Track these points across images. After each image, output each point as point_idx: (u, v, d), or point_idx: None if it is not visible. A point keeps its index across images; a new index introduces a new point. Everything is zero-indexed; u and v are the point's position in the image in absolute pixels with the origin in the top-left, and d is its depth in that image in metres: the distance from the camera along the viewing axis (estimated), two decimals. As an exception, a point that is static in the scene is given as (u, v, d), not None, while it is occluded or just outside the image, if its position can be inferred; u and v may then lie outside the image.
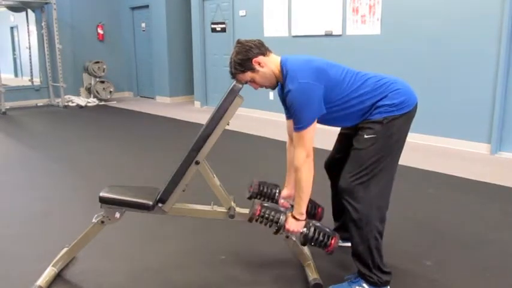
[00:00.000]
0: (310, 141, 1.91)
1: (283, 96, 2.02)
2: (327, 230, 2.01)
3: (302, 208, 1.98)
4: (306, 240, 1.99)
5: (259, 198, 2.32)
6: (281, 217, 2.02)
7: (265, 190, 2.35)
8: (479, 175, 3.85)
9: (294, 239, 2.18)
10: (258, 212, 2.02)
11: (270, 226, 2.04)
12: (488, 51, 4.47)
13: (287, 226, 2.00)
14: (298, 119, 1.90)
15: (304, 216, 2.00)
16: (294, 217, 2.00)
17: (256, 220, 2.03)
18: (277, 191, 2.36)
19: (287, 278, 2.22)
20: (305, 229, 1.99)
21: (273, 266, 2.34)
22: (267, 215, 2.02)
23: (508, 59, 4.39)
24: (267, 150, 5.01)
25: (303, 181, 1.92)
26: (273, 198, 2.34)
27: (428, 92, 4.88)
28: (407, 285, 2.16)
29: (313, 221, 2.04)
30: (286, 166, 2.34)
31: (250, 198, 2.32)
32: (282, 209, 2.08)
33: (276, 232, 2.04)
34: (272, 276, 2.25)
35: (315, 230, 1.98)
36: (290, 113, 1.96)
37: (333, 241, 1.98)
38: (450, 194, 3.45)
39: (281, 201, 2.33)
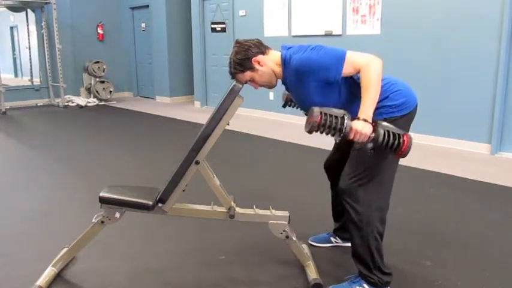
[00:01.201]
0: (362, 54, 1.81)
1: (292, 78, 1.95)
2: (396, 129, 1.77)
3: (370, 110, 1.77)
4: (376, 144, 1.75)
5: (293, 107, 2.28)
6: (345, 121, 1.74)
7: None
8: (480, 175, 3.85)
9: (295, 238, 2.18)
10: (319, 120, 1.73)
11: (333, 135, 1.78)
12: (488, 51, 4.47)
13: (354, 127, 1.73)
14: (330, 63, 1.81)
15: (371, 119, 1.78)
16: (361, 120, 1.77)
17: (317, 130, 1.77)
18: None
19: (287, 278, 2.22)
20: (374, 133, 1.74)
21: (273, 266, 2.34)
22: (329, 122, 1.74)
23: (508, 59, 4.39)
24: (267, 150, 5.01)
25: (372, 76, 1.76)
26: None
27: (429, 92, 4.88)
28: (407, 285, 2.16)
29: (382, 122, 1.78)
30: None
31: (285, 106, 2.30)
32: (342, 111, 1.78)
33: (342, 140, 1.81)
34: (272, 276, 2.24)
35: (385, 132, 1.73)
36: (318, 79, 1.85)
37: (405, 139, 1.73)
38: (450, 194, 3.45)
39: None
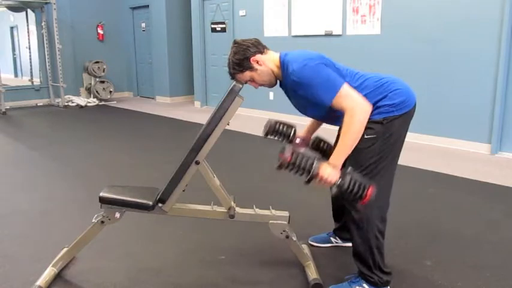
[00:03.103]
0: (354, 94, 1.79)
1: (287, 87, 1.97)
2: (362, 179, 1.81)
3: (342, 157, 1.81)
4: (340, 191, 1.79)
5: (274, 137, 2.27)
6: (315, 164, 1.78)
7: (281, 128, 2.26)
8: (480, 175, 3.85)
9: (295, 238, 2.18)
10: (289, 159, 1.78)
11: (301, 174, 1.82)
12: (489, 51, 4.47)
13: (321, 173, 1.77)
14: (324, 89, 1.80)
15: (340, 167, 1.81)
16: (329, 165, 1.79)
17: (286, 167, 1.81)
18: (293, 131, 2.27)
19: (287, 278, 2.22)
20: (340, 180, 1.78)
21: (273, 266, 2.34)
22: (298, 162, 1.79)
23: (508, 59, 4.39)
24: (267, 150, 5.01)
25: (353, 126, 1.75)
26: (288, 137, 2.25)
27: (429, 92, 4.88)
28: (407, 285, 2.16)
29: (349, 170, 1.82)
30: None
31: (266, 135, 2.28)
32: (315, 155, 1.83)
33: (308, 181, 1.82)
34: (272, 276, 2.24)
35: (350, 180, 1.77)
36: (309, 96, 1.86)
37: (368, 192, 1.77)
38: (450, 194, 3.45)
39: (297, 140, 2.26)
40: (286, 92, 2.07)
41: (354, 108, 1.76)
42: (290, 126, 2.28)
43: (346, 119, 1.77)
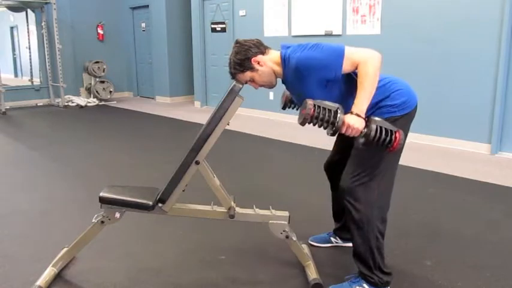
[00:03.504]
0: (361, 49, 1.80)
1: (291, 79, 1.96)
2: (389, 125, 1.77)
3: (365, 105, 1.78)
4: (367, 139, 1.75)
5: (293, 108, 2.28)
6: (338, 115, 1.74)
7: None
8: (480, 175, 3.85)
9: (295, 238, 2.18)
10: (312, 113, 1.73)
11: (326, 127, 1.79)
12: (489, 51, 4.47)
13: (347, 121, 1.74)
14: (330, 60, 1.80)
15: (364, 114, 1.78)
16: (355, 114, 1.77)
17: (310, 122, 1.76)
18: None
19: (287, 278, 2.22)
20: (366, 128, 1.75)
21: (273, 266, 2.34)
22: (322, 115, 1.74)
23: (508, 59, 4.39)
24: (267, 150, 5.01)
25: (369, 71, 1.75)
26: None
27: (429, 92, 4.88)
28: (407, 285, 2.16)
29: (375, 118, 1.78)
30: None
31: (284, 108, 2.30)
32: (336, 105, 1.78)
33: (334, 133, 1.79)
34: (272, 276, 2.24)
35: (377, 128, 1.73)
36: (317, 76, 1.85)
37: (397, 135, 1.74)
38: (450, 194, 3.45)
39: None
40: (290, 86, 2.05)
41: (365, 58, 1.77)
42: None
43: (361, 68, 1.77)
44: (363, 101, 1.77)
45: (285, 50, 1.96)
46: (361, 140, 1.79)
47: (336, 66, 1.81)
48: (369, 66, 1.76)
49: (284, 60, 1.94)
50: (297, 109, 2.20)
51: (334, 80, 1.86)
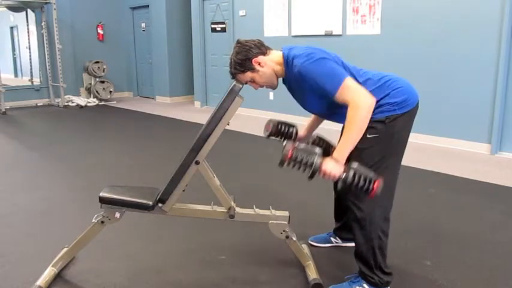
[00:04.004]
0: (359, 88, 1.77)
1: (292, 80, 1.96)
2: (368, 172, 1.77)
3: (346, 151, 1.78)
4: (344, 185, 1.76)
5: (277, 137, 2.26)
6: (316, 159, 1.77)
7: (282, 129, 2.25)
8: (480, 175, 3.85)
9: (295, 238, 2.18)
10: (290, 155, 1.78)
11: (304, 170, 1.80)
12: (489, 51, 4.47)
13: (324, 167, 1.76)
14: (329, 80, 1.79)
15: (344, 161, 1.79)
16: (333, 159, 1.77)
17: (288, 164, 1.80)
18: (295, 130, 2.27)
19: (287, 278, 2.22)
20: (344, 174, 1.75)
21: (273, 266, 2.34)
22: (300, 158, 1.78)
23: (508, 59, 4.39)
24: (267, 150, 5.01)
25: (357, 119, 1.73)
26: (290, 137, 2.24)
27: (429, 92, 4.88)
28: (408, 285, 2.16)
29: (353, 164, 1.79)
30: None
31: (268, 137, 2.28)
32: (316, 150, 1.81)
33: (311, 176, 1.80)
34: (272, 276, 2.24)
35: (355, 174, 1.74)
36: (314, 87, 1.85)
37: (375, 185, 1.74)
38: (450, 194, 3.45)
39: (298, 140, 2.26)
40: (289, 87, 2.05)
41: (357, 102, 1.73)
42: (291, 126, 2.28)
43: (350, 113, 1.74)
44: (345, 147, 1.77)
45: (287, 51, 1.96)
46: (340, 185, 1.80)
47: (330, 91, 1.80)
48: (358, 115, 1.73)
49: (287, 61, 1.94)
50: (283, 140, 2.16)
51: (325, 96, 1.87)
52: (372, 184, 1.73)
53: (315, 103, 1.98)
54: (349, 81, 1.78)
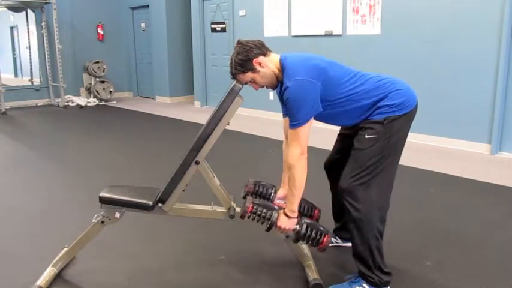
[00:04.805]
0: (305, 139, 1.91)
1: (281, 94, 2.01)
2: (319, 227, 2.02)
3: (294, 206, 1.99)
4: (298, 237, 2.00)
5: (255, 198, 2.30)
6: (273, 214, 2.02)
7: (260, 190, 2.35)
8: (480, 175, 3.85)
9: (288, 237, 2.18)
10: (250, 209, 2.03)
11: (262, 223, 2.05)
12: (489, 51, 4.47)
13: (279, 223, 2.00)
14: (293, 115, 1.89)
15: (296, 214, 2.01)
16: (286, 214, 2.01)
17: (248, 217, 2.04)
18: (273, 191, 2.37)
19: (287, 278, 2.22)
20: (297, 226, 2.00)
21: (273, 266, 2.34)
22: (259, 212, 2.03)
23: (508, 59, 4.38)
24: (267, 150, 5.01)
25: (296, 178, 1.93)
26: (268, 198, 2.34)
27: (429, 92, 4.88)
28: (407, 285, 2.16)
29: (306, 219, 2.04)
30: (282, 166, 2.34)
31: (245, 197, 2.30)
32: (274, 206, 2.10)
33: (268, 229, 2.04)
34: (272, 276, 2.24)
35: (307, 227, 1.98)
36: (287, 110, 1.97)
37: (325, 238, 1.99)
38: (450, 194, 3.45)
39: (276, 201, 2.33)
40: (280, 97, 2.10)
41: (296, 158, 1.89)
42: (270, 186, 2.39)
43: (292, 169, 1.92)
44: (292, 202, 1.98)
45: (283, 59, 1.99)
46: (293, 236, 2.02)
47: (290, 121, 1.92)
48: (296, 173, 1.91)
49: (282, 68, 1.97)
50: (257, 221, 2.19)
51: None
52: (322, 237, 1.98)
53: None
54: (303, 130, 1.89)
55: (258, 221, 2.05)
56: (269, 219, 2.02)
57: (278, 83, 2.07)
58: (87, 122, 7.13)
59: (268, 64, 1.99)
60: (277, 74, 2.00)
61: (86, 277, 2.24)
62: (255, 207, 2.04)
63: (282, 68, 1.97)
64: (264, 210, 2.04)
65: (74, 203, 3.33)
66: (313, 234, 1.98)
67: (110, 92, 9.14)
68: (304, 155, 1.92)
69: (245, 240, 2.64)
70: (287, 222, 2.00)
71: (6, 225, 2.93)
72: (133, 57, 9.88)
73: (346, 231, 2.37)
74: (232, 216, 2.14)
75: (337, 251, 2.49)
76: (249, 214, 2.04)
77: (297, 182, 1.93)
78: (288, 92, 1.89)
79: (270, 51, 2.04)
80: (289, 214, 2.00)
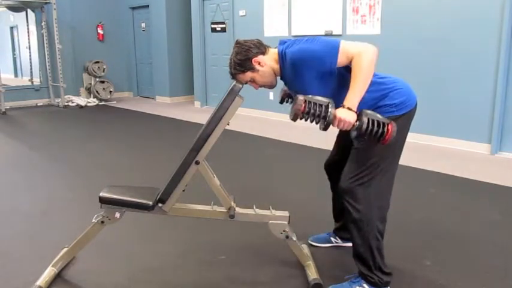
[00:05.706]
0: (357, 43, 1.78)
1: (288, 73, 1.94)
2: (381, 117, 1.76)
3: (356, 98, 1.76)
4: (360, 133, 1.76)
5: (290, 102, 2.21)
6: (330, 110, 1.74)
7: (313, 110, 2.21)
8: (480, 175, 3.85)
9: (295, 238, 2.18)
10: (303, 109, 1.75)
11: (317, 122, 1.79)
12: (489, 51, 4.47)
13: (338, 115, 1.74)
14: (324, 52, 1.79)
15: (356, 108, 1.77)
16: (344, 107, 1.77)
17: (301, 118, 1.78)
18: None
19: (287, 278, 2.22)
20: (358, 121, 1.74)
21: (273, 266, 2.34)
22: (313, 110, 1.75)
23: (508, 59, 4.39)
24: (267, 150, 5.01)
25: (363, 64, 1.74)
26: (324, 118, 2.21)
27: (429, 92, 4.88)
28: (408, 285, 2.16)
29: (366, 111, 1.77)
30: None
31: (281, 102, 2.28)
32: (327, 99, 1.78)
33: (325, 128, 1.79)
34: (272, 276, 2.24)
35: (369, 120, 1.73)
36: (314, 68, 1.84)
37: (389, 128, 1.73)
38: (450, 194, 3.45)
39: None
40: (287, 82, 2.04)
41: (360, 52, 1.75)
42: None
43: (355, 61, 1.75)
44: (355, 94, 1.77)
45: (282, 46, 1.96)
46: (354, 134, 1.79)
47: (331, 57, 1.80)
48: (363, 60, 1.75)
49: (281, 56, 1.94)
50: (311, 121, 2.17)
51: (329, 73, 1.85)
52: (385, 128, 1.73)
53: (316, 90, 1.89)
54: (345, 42, 1.81)
55: (312, 121, 1.79)
56: (325, 117, 1.74)
57: (276, 83, 2.05)
58: (87, 122, 7.13)
59: (267, 62, 1.98)
60: (275, 70, 1.99)
61: (86, 277, 2.24)
62: (307, 105, 1.75)
63: (281, 55, 1.93)
64: (318, 107, 1.75)
65: (74, 203, 3.33)
66: (376, 128, 1.73)
67: (110, 92, 9.14)
68: (374, 48, 1.77)
69: (245, 240, 2.64)
70: (347, 114, 1.74)
71: (6, 225, 2.93)
72: (133, 57, 9.88)
73: (346, 231, 2.37)
74: (232, 216, 2.13)
75: (337, 251, 2.49)
76: (302, 114, 1.76)
77: (364, 70, 1.74)
78: (295, 54, 1.84)
79: (268, 47, 2.02)
80: (350, 107, 1.75)
